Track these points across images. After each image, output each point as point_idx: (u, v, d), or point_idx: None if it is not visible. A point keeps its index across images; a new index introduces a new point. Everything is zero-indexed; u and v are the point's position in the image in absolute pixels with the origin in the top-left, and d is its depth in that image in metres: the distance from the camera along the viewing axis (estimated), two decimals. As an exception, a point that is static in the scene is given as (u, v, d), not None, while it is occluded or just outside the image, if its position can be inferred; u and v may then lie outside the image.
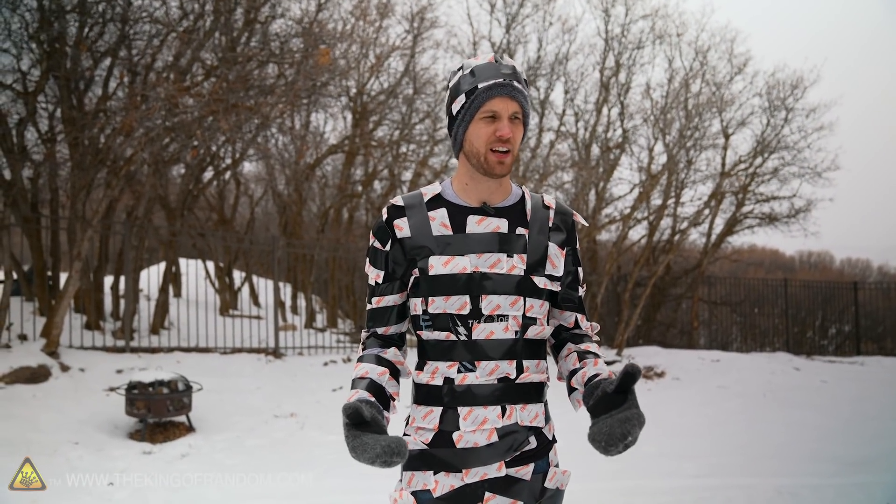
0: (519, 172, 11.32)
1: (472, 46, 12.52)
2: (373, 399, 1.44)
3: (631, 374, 1.29)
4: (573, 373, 1.50)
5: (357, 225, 16.12)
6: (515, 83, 1.46)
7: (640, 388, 8.68)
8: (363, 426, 1.32)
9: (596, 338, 1.64)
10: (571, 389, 1.52)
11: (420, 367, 1.53)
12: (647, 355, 10.89)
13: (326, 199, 14.23)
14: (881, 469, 4.73)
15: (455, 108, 1.50)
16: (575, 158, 12.31)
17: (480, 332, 1.45)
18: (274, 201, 15.47)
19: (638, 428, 1.27)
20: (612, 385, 1.33)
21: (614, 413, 1.30)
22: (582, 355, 1.52)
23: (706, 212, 13.48)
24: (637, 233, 13.69)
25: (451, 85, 1.52)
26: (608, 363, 10.59)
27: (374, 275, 1.57)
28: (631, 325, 11.92)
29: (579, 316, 1.60)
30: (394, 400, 1.51)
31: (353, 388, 1.49)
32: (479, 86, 1.45)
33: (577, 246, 1.62)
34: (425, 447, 1.47)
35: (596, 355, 1.52)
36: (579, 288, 1.62)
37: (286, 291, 14.44)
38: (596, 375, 1.44)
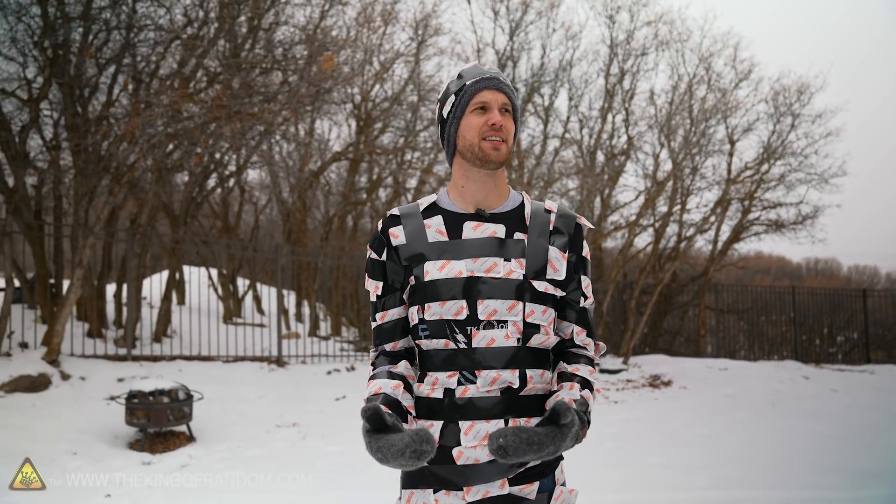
0: (524, 180, 11.26)
1: (476, 53, 12.50)
2: (389, 411, 1.39)
3: (557, 412, 1.27)
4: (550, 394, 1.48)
5: (361, 232, 16.09)
6: (501, 79, 1.49)
7: (648, 396, 8.57)
8: (384, 430, 1.28)
9: (597, 359, 1.55)
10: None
11: (421, 378, 1.49)
12: (653, 364, 10.78)
13: (330, 206, 14.20)
14: (894, 482, 4.61)
15: (446, 110, 1.51)
16: (580, 165, 12.26)
17: (481, 339, 1.41)
18: (278, 209, 15.47)
19: (531, 452, 1.25)
20: (546, 415, 1.30)
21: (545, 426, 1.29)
22: (562, 377, 1.46)
23: (712, 219, 13.40)
24: (643, 240, 13.66)
25: (440, 97, 1.57)
26: (614, 371, 10.47)
27: (374, 287, 1.54)
28: (637, 333, 11.82)
29: (577, 329, 1.51)
30: (410, 414, 1.45)
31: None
32: (468, 82, 1.47)
33: (585, 254, 1.54)
34: (425, 464, 1.41)
35: (583, 380, 1.45)
36: (581, 298, 1.52)
37: (290, 299, 14.39)
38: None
